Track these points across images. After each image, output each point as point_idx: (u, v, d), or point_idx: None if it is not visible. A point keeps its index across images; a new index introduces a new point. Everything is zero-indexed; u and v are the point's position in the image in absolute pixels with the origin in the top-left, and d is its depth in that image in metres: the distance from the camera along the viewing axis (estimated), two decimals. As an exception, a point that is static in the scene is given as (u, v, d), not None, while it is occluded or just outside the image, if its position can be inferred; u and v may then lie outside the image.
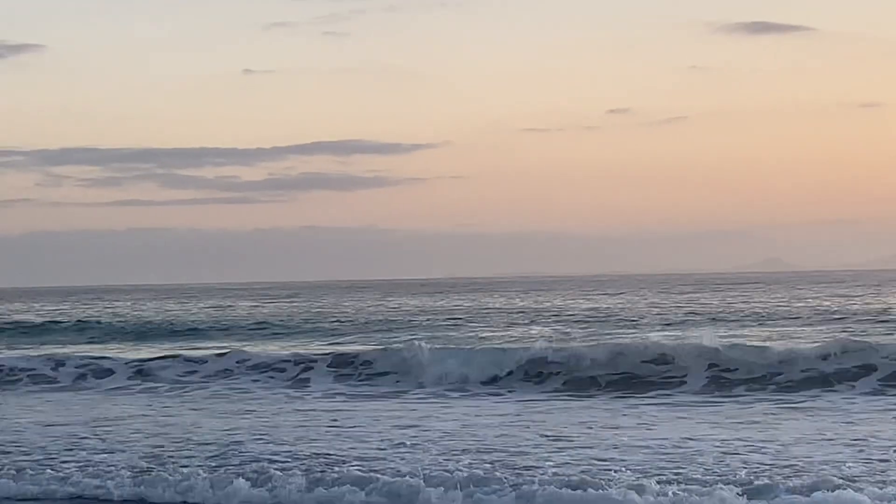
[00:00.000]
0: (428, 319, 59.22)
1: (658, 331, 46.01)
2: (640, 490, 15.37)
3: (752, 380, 28.62)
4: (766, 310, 60.06)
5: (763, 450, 18.60)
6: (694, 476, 16.28)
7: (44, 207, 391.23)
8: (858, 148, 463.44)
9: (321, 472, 17.32)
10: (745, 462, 17.44)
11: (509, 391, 29.29)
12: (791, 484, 15.51)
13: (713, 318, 53.79)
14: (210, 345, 43.40)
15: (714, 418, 23.20)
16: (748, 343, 33.60)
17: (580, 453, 18.63)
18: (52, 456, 19.53)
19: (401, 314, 65.74)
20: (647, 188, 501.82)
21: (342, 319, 59.55)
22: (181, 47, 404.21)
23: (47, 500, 17.11)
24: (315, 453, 19.09)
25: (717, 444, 19.28)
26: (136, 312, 75.07)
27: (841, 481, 15.51)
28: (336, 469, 17.47)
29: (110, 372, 34.34)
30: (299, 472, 17.26)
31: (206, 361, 34.53)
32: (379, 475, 16.79)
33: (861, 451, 18.33)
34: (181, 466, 18.04)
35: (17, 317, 68.91)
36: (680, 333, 43.80)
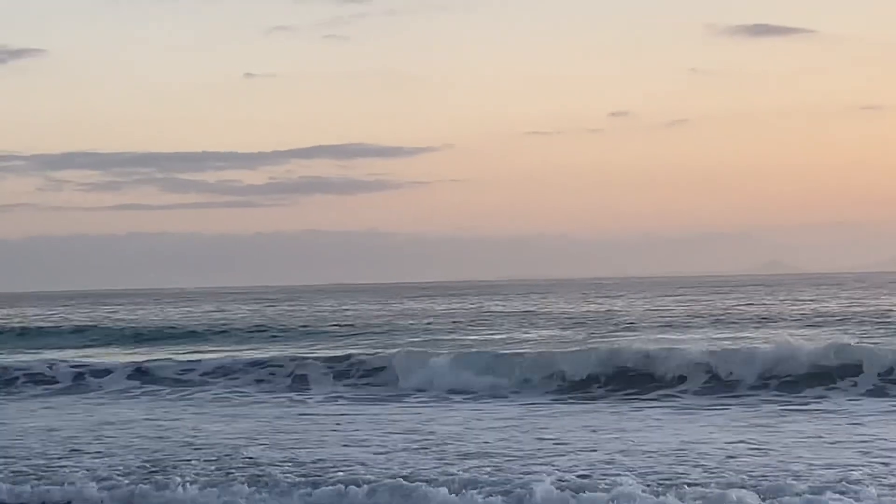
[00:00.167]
0: (429, 323, 59.17)
1: (659, 333, 45.92)
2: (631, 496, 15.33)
3: (754, 383, 28.55)
4: (767, 312, 59.98)
5: (768, 452, 18.56)
6: (700, 479, 16.23)
7: (44, 212, 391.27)
8: (859, 151, 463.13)
9: (321, 476, 17.28)
10: (749, 465, 17.38)
11: (513, 394, 29.22)
12: (797, 487, 15.48)
13: (714, 321, 53.73)
14: (211, 348, 43.36)
15: (719, 420, 23.16)
16: (750, 345, 33.51)
17: (584, 457, 18.59)
18: (52, 461, 19.47)
19: (401, 317, 65.69)
20: (649, 191, 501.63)
21: (343, 323, 59.48)
22: (182, 51, 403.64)
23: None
24: (318, 458, 19.03)
25: (721, 447, 19.23)
26: (136, 316, 75.03)
27: (846, 485, 15.47)
28: (338, 473, 17.43)
29: (110, 375, 34.27)
30: (299, 477, 17.22)
31: (207, 365, 34.47)
32: (380, 479, 16.74)
33: (866, 453, 18.29)
34: (180, 472, 17.98)
35: (17, 321, 68.86)
36: (681, 336, 43.71)
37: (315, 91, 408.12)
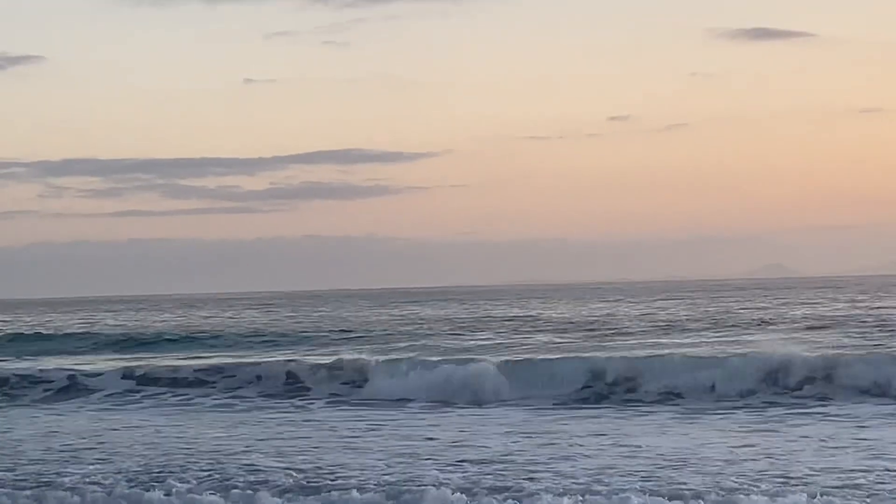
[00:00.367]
0: (431, 328, 59.11)
1: (659, 338, 45.84)
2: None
3: (756, 387, 28.47)
4: (768, 315, 59.90)
5: (772, 456, 18.49)
6: (705, 482, 16.15)
7: (45, 219, 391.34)
8: (860, 153, 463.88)
9: (320, 482, 17.20)
10: (754, 469, 17.31)
11: (516, 400, 29.07)
12: (801, 490, 15.41)
13: (715, 324, 53.65)
14: (210, 354, 43.28)
15: (723, 424, 23.13)
16: (751, 349, 33.43)
17: (587, 462, 18.51)
18: (48, 468, 19.38)
19: (401, 323, 65.64)
20: (649, 195, 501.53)
21: (343, 329, 59.39)
22: (182, 57, 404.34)
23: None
24: (316, 466, 18.95)
25: (726, 451, 19.16)
26: (136, 322, 74.96)
27: (847, 489, 15.41)
28: (337, 480, 17.35)
29: (108, 381, 34.16)
30: (299, 483, 17.15)
31: (206, 370, 34.41)
32: (378, 485, 16.65)
33: (870, 457, 18.22)
34: (179, 478, 17.90)
35: (18, 327, 68.80)
36: (682, 340, 43.65)
37: (315, 97, 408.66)
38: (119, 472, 18.61)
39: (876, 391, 27.24)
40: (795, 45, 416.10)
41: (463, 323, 63.17)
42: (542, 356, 34.84)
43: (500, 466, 18.21)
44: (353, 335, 53.70)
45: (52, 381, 34.52)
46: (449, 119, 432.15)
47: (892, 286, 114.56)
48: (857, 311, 59.97)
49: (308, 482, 17.27)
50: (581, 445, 20.49)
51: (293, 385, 32.47)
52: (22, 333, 60.50)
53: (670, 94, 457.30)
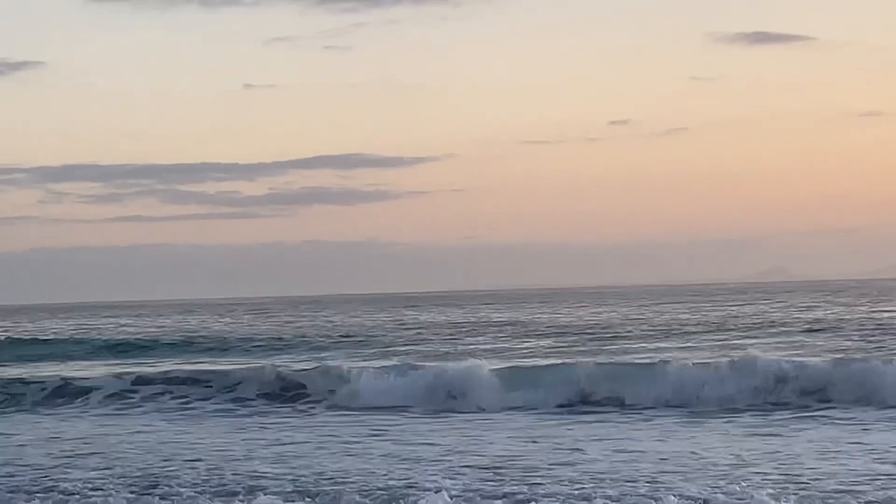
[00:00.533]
0: (429, 333, 59.09)
1: (660, 342, 45.80)
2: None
3: (759, 391, 28.39)
4: (769, 319, 59.87)
5: (776, 460, 18.43)
6: (710, 486, 16.08)
7: (45, 224, 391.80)
8: (859, 157, 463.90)
9: (318, 488, 17.13)
10: (758, 473, 17.24)
11: (518, 405, 28.97)
12: (804, 493, 15.33)
13: (716, 328, 53.62)
14: (209, 359, 43.27)
15: (726, 428, 23.08)
16: (753, 353, 33.34)
17: (590, 467, 18.44)
18: (48, 472, 19.30)
19: (400, 328, 65.67)
20: (649, 199, 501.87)
21: (343, 334, 59.38)
22: (182, 62, 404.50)
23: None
24: (317, 471, 18.88)
25: (730, 455, 19.10)
26: (135, 328, 74.96)
27: (850, 494, 15.35)
28: (336, 486, 17.28)
29: (107, 388, 34.07)
30: (297, 488, 17.08)
31: (205, 375, 34.36)
32: (378, 490, 16.57)
33: (874, 461, 18.16)
34: (179, 485, 17.84)
35: (19, 332, 68.78)
36: (683, 344, 43.62)
37: (315, 102, 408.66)
38: (119, 478, 18.56)
39: (878, 395, 27.13)
40: (795, 49, 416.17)
41: (462, 327, 63.17)
42: (541, 361, 34.79)
43: (501, 472, 18.15)
44: (352, 340, 53.68)
45: (49, 386, 34.42)
46: (449, 123, 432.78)
47: (893, 290, 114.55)
48: (858, 315, 59.95)
49: (307, 487, 17.20)
50: (582, 450, 20.42)
51: (293, 390, 32.40)
52: (21, 339, 60.48)
53: (670, 97, 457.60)
